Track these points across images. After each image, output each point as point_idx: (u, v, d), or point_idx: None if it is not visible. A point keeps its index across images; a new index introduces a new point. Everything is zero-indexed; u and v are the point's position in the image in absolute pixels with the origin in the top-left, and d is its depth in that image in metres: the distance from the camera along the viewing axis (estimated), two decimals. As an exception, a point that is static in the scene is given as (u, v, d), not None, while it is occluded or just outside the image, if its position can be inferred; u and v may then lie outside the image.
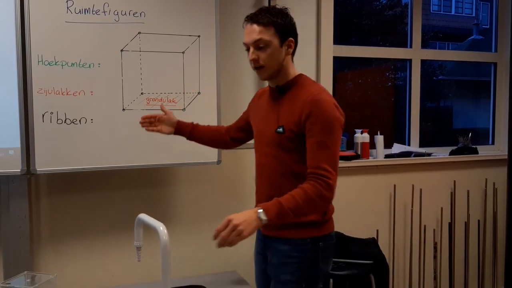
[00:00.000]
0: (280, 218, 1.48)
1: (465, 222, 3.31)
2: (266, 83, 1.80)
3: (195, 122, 2.03)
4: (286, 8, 1.66)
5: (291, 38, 1.64)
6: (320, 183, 1.51)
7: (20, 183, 2.21)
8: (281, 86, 1.69)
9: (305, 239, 1.66)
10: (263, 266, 1.82)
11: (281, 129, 1.63)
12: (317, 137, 1.55)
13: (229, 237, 1.42)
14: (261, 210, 1.46)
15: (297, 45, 1.69)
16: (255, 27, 1.59)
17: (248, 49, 1.64)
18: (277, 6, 1.67)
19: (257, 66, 1.63)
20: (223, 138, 2.03)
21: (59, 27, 2.08)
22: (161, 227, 1.29)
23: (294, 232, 1.66)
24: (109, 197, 2.49)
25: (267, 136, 1.69)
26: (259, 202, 1.75)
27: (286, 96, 1.67)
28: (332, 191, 1.55)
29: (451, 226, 3.26)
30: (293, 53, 1.69)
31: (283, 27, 1.61)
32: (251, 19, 1.61)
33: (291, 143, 1.62)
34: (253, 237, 2.76)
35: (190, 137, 2.01)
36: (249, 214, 1.46)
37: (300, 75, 1.71)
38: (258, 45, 1.60)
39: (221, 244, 1.43)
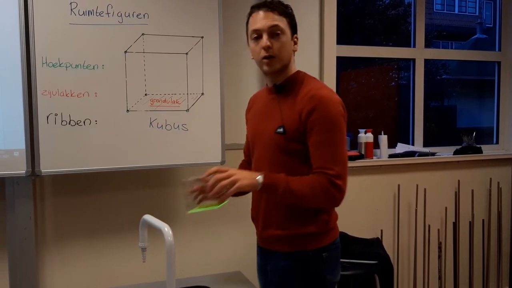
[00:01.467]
0: (274, 192, 1.44)
1: (470, 222, 3.30)
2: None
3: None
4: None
5: (296, 35, 1.59)
6: (330, 181, 1.43)
7: (25, 185, 2.22)
8: (279, 85, 1.59)
9: (307, 251, 1.55)
10: (265, 283, 1.73)
11: (281, 129, 1.52)
12: (320, 135, 1.45)
13: (223, 180, 1.40)
14: (261, 175, 1.44)
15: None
16: (271, 14, 1.50)
17: (257, 37, 1.53)
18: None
19: (268, 56, 1.51)
20: None
21: (63, 29, 2.08)
22: (165, 228, 1.30)
23: (294, 245, 1.56)
24: (114, 198, 2.50)
25: (266, 139, 1.58)
26: (255, 209, 1.67)
27: (285, 94, 1.57)
28: (341, 192, 1.46)
29: (455, 225, 3.25)
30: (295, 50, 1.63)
31: (293, 21, 1.56)
32: (266, 6, 1.51)
33: (294, 144, 1.51)
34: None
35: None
36: (251, 173, 1.46)
37: (299, 72, 1.61)
38: (274, 31, 1.50)
39: (213, 185, 1.40)
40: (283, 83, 1.59)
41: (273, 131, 1.54)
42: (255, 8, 1.55)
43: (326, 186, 1.43)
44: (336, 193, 1.45)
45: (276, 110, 1.57)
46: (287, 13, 1.54)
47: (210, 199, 1.45)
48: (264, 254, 1.68)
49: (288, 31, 1.53)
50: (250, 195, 1.74)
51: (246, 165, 1.85)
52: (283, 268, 1.58)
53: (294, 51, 1.59)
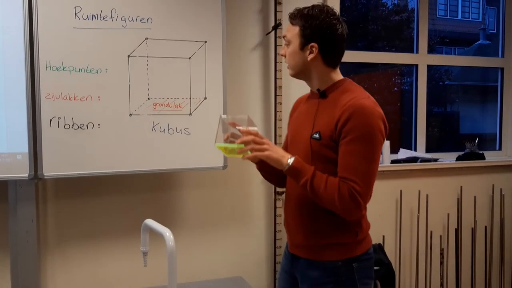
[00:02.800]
0: (296, 178, 1.47)
1: (472, 228, 3.29)
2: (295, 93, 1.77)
3: None
4: (332, 12, 1.55)
5: (313, 43, 1.52)
6: (347, 189, 1.41)
7: (28, 188, 2.22)
8: (322, 90, 1.58)
9: (336, 261, 1.54)
10: (287, 286, 1.72)
11: (317, 135, 1.50)
12: (352, 145, 1.41)
13: (255, 142, 1.43)
14: (293, 157, 1.46)
15: (335, 50, 1.56)
16: (288, 23, 1.59)
17: None
18: (317, 5, 1.57)
19: (287, 62, 1.62)
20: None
21: (67, 33, 2.09)
22: (167, 233, 1.30)
23: (324, 254, 1.55)
24: (116, 202, 2.50)
25: (302, 143, 1.56)
26: (287, 215, 1.67)
27: (327, 100, 1.56)
28: (359, 207, 1.42)
29: (457, 232, 3.24)
30: (330, 58, 1.55)
31: (308, 30, 1.51)
32: (289, 15, 1.60)
33: (328, 151, 1.48)
34: (259, 243, 2.77)
35: (259, 166, 1.70)
36: (284, 153, 1.48)
37: (345, 79, 1.59)
38: (285, 42, 1.60)
39: (242, 141, 1.43)
40: (326, 89, 1.58)
41: (309, 136, 1.54)
42: None
43: (344, 197, 1.42)
44: (353, 208, 1.43)
45: (315, 116, 1.57)
46: (300, 24, 1.54)
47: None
48: (293, 259, 1.67)
49: (296, 40, 1.55)
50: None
51: None
52: (315, 278, 1.57)
53: (310, 60, 1.54)
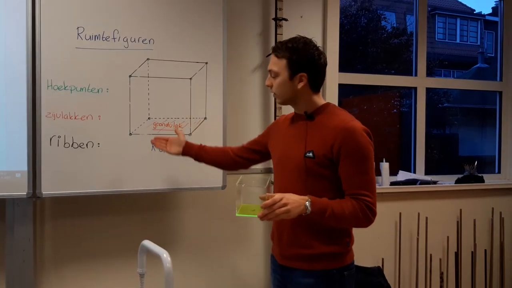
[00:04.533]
0: (320, 217, 1.54)
1: (472, 252, 3.27)
2: (283, 111, 1.81)
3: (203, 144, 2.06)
4: (313, 43, 1.69)
5: (303, 73, 1.66)
6: (363, 205, 1.57)
7: (26, 206, 2.22)
8: (310, 113, 1.71)
9: (331, 270, 1.65)
10: None
11: (310, 154, 1.63)
12: (353, 165, 1.59)
13: (276, 210, 1.49)
14: (309, 201, 1.53)
15: (320, 77, 1.71)
16: (274, 57, 1.69)
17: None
18: (300, 38, 1.69)
19: (273, 92, 1.74)
20: (230, 159, 2.02)
21: (69, 53, 2.11)
22: (164, 254, 1.29)
23: (319, 263, 1.65)
24: (114, 222, 2.49)
25: (294, 162, 1.68)
26: (279, 228, 1.74)
27: (315, 122, 1.69)
28: (374, 215, 1.60)
29: (457, 255, 3.22)
30: (316, 85, 1.70)
31: (295, 62, 1.65)
32: (273, 48, 1.71)
33: (322, 169, 1.63)
34: (257, 264, 2.75)
35: (197, 158, 2.03)
36: (298, 198, 1.53)
37: (328, 104, 1.74)
38: (271, 74, 1.70)
39: (265, 215, 1.50)
40: (313, 112, 1.71)
41: (302, 155, 1.65)
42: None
43: (364, 211, 1.57)
44: (371, 216, 1.59)
45: (305, 136, 1.68)
46: (287, 56, 1.65)
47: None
48: (284, 272, 1.75)
49: (284, 73, 1.67)
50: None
51: (229, 150, 2.04)
52: (307, 285, 1.67)
53: (302, 87, 1.67)
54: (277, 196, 1.51)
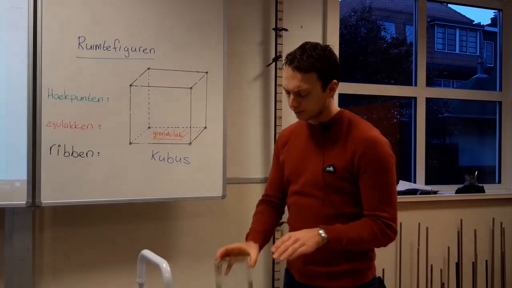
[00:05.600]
0: (338, 243, 1.45)
1: (473, 262, 3.25)
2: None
3: (257, 230, 1.75)
4: (328, 46, 1.55)
5: (334, 80, 1.53)
6: (382, 224, 1.49)
7: (25, 215, 2.21)
8: (325, 123, 1.59)
9: (358, 286, 1.58)
10: None
11: (331, 168, 1.53)
12: (374, 178, 1.50)
13: (290, 246, 1.38)
14: (322, 230, 1.44)
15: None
16: (297, 74, 1.48)
17: (288, 93, 1.54)
18: (313, 45, 1.52)
19: (297, 111, 1.55)
20: (276, 212, 1.77)
21: (70, 62, 2.12)
22: (164, 264, 1.28)
23: (342, 281, 1.57)
24: (113, 231, 2.48)
25: (313, 176, 1.57)
26: None
27: (332, 133, 1.58)
28: (395, 233, 1.52)
29: (458, 266, 3.20)
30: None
31: (325, 71, 1.49)
32: (292, 63, 1.49)
33: (343, 183, 1.53)
34: (257, 275, 2.73)
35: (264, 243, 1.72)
36: (307, 230, 1.44)
37: (343, 111, 1.61)
38: (300, 93, 1.50)
39: (280, 253, 1.38)
40: (328, 122, 1.59)
41: (320, 169, 1.55)
42: (287, 60, 1.52)
43: (383, 230, 1.49)
44: (391, 234, 1.51)
45: (322, 148, 1.58)
46: (315, 67, 1.48)
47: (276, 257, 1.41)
48: None
49: (317, 86, 1.50)
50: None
51: (267, 205, 1.77)
52: None
53: (330, 97, 1.56)
54: (285, 236, 1.42)
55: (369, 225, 1.49)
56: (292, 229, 1.61)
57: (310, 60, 1.47)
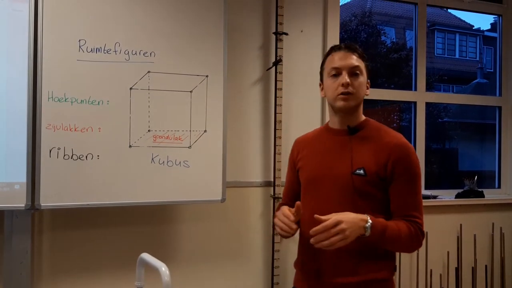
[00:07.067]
0: (378, 240, 1.44)
1: (472, 267, 3.25)
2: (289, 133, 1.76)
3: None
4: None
5: (368, 81, 1.63)
6: (416, 228, 1.50)
7: (24, 218, 2.20)
8: (353, 127, 1.60)
9: None
10: None
11: (361, 171, 1.51)
12: (406, 184, 1.52)
13: (332, 238, 1.35)
14: (369, 223, 1.41)
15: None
16: (352, 54, 1.58)
17: (335, 74, 1.57)
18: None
19: (346, 92, 1.55)
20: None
21: (70, 65, 2.12)
22: (163, 267, 1.28)
23: None
24: (112, 234, 2.47)
25: (338, 180, 1.54)
26: (315, 255, 1.55)
27: (360, 137, 1.58)
28: (423, 239, 1.55)
29: (458, 271, 3.19)
30: None
31: (369, 66, 1.63)
32: (348, 48, 1.59)
33: (372, 188, 1.51)
34: (256, 280, 2.72)
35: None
36: (358, 221, 1.40)
37: (368, 119, 1.65)
38: (354, 71, 1.56)
39: (320, 241, 1.36)
40: (357, 126, 1.61)
41: (348, 172, 1.53)
42: (335, 48, 1.62)
43: (417, 234, 1.51)
44: (422, 239, 1.54)
45: (349, 151, 1.57)
46: (365, 58, 1.61)
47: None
48: None
49: (365, 74, 1.60)
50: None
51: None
52: None
53: (366, 95, 1.63)
54: (331, 221, 1.34)
55: (407, 226, 1.49)
56: (310, 248, 1.47)
57: (360, 50, 1.61)
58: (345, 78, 1.54)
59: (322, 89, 1.65)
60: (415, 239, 1.50)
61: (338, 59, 1.57)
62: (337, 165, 1.56)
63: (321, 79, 1.66)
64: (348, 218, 1.39)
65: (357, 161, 1.53)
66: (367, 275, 1.52)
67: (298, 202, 1.53)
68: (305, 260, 1.63)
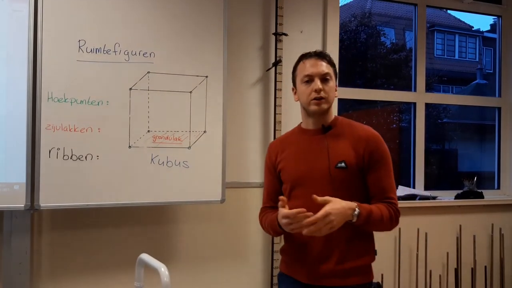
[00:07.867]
0: (363, 225, 1.58)
1: (472, 268, 3.25)
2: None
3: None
4: None
5: (336, 83, 1.76)
6: (394, 209, 1.64)
7: (23, 219, 2.21)
8: (327, 126, 1.73)
9: (364, 284, 1.68)
10: None
11: (343, 164, 1.65)
12: (384, 169, 1.66)
13: (322, 228, 1.49)
14: (357, 212, 1.55)
15: None
16: (323, 62, 1.71)
17: (308, 81, 1.70)
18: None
19: (319, 97, 1.68)
20: None
21: (70, 66, 2.12)
22: (162, 268, 1.28)
23: (353, 278, 1.65)
24: (112, 235, 2.47)
25: (321, 175, 1.65)
26: (306, 243, 1.65)
27: (333, 134, 1.71)
28: (399, 218, 1.68)
29: (457, 271, 3.19)
30: None
31: (336, 71, 1.76)
32: (318, 55, 1.72)
33: (354, 179, 1.65)
34: (256, 280, 2.72)
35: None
36: (345, 209, 1.54)
37: (338, 116, 1.79)
38: (325, 77, 1.70)
39: (312, 232, 1.49)
40: (330, 124, 1.74)
41: (327, 168, 1.66)
42: (306, 56, 1.74)
43: (394, 214, 1.65)
44: (399, 216, 1.68)
45: (326, 148, 1.69)
46: (333, 63, 1.74)
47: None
48: None
49: (334, 78, 1.73)
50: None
51: (271, 210, 1.79)
52: None
53: (336, 96, 1.76)
54: (321, 213, 1.48)
55: (387, 208, 1.63)
56: (297, 235, 1.62)
57: (328, 57, 1.74)
58: (317, 84, 1.68)
59: (295, 93, 1.78)
60: (394, 219, 1.65)
61: (310, 66, 1.70)
62: (318, 162, 1.68)
63: (294, 85, 1.79)
64: (337, 209, 1.52)
65: (337, 156, 1.66)
66: (357, 261, 1.66)
67: (282, 197, 1.61)
68: (293, 248, 1.74)
